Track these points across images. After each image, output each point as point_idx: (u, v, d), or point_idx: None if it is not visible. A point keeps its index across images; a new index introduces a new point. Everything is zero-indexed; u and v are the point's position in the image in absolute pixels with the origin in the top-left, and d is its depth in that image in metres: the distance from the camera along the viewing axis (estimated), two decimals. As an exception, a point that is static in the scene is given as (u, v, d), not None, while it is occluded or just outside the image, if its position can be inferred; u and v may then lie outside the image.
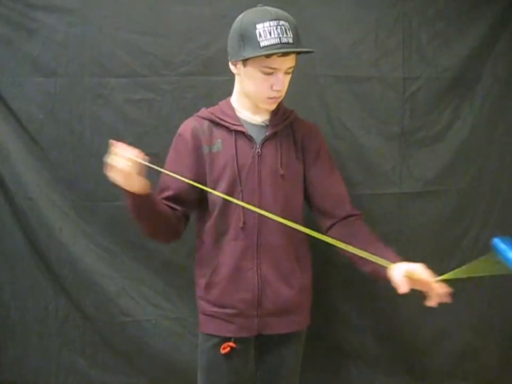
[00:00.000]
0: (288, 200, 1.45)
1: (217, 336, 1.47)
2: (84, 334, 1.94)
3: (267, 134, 1.43)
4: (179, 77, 1.83)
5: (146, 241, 1.90)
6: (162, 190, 1.45)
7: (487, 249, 1.99)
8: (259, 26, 1.29)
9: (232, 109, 1.46)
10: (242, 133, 1.42)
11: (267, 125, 1.46)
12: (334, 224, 1.48)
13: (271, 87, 1.35)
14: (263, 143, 1.43)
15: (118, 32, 1.82)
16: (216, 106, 1.50)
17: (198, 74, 1.82)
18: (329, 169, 1.51)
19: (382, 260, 1.22)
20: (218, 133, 1.43)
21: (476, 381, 2.07)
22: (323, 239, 1.23)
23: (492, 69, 1.94)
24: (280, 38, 1.28)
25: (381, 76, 1.90)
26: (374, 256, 1.22)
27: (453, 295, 2.01)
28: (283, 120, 1.47)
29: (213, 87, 1.82)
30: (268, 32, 1.28)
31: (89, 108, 1.85)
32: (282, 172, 1.43)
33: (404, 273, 1.19)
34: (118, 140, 1.83)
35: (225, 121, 1.43)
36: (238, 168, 1.40)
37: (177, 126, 1.80)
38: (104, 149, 1.84)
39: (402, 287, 1.18)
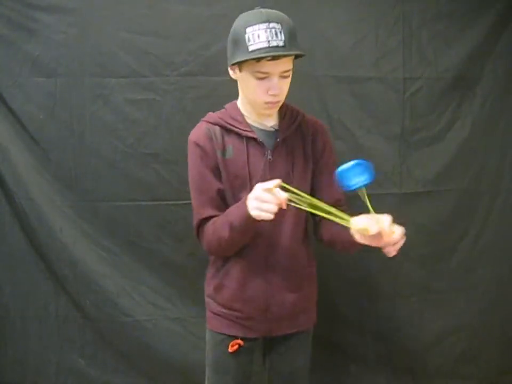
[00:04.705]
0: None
1: (223, 334, 1.47)
2: (83, 334, 1.95)
3: (278, 140, 1.41)
4: (179, 77, 1.83)
5: (146, 241, 1.91)
6: (215, 206, 1.40)
7: (487, 249, 2.01)
8: (248, 30, 1.25)
9: (241, 114, 1.42)
10: (254, 139, 1.38)
11: (276, 130, 1.43)
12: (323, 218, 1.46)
13: (267, 91, 1.30)
14: (274, 149, 1.41)
15: (118, 32, 1.82)
16: (223, 110, 1.45)
17: (199, 75, 1.82)
18: (330, 170, 1.46)
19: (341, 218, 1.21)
20: (229, 139, 1.39)
21: (476, 381, 2.07)
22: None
23: (492, 69, 1.94)
24: (269, 41, 1.23)
25: (381, 76, 1.90)
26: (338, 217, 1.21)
27: (453, 295, 2.04)
28: (291, 123, 1.44)
29: (213, 87, 1.82)
30: (257, 35, 1.24)
31: (89, 108, 1.85)
32: (293, 178, 1.41)
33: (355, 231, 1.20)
34: (118, 140, 1.85)
35: (236, 127, 1.39)
36: (249, 175, 1.38)
37: (178, 126, 1.81)
38: (104, 149, 1.87)
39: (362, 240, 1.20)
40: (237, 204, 1.32)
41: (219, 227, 1.35)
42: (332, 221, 1.21)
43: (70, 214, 1.89)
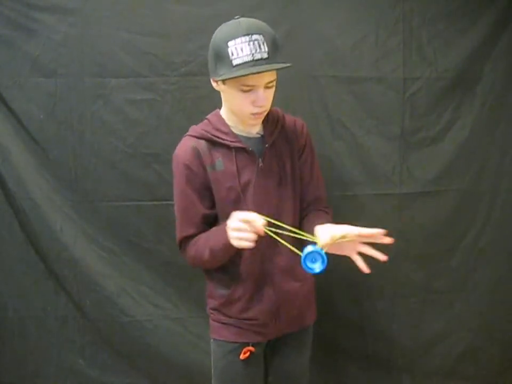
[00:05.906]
0: (295, 207, 1.44)
1: (233, 342, 1.44)
2: (84, 334, 1.95)
3: (266, 145, 1.39)
4: (180, 77, 1.83)
5: (146, 241, 1.91)
6: (199, 227, 1.40)
7: (487, 249, 2.01)
8: (231, 44, 1.22)
9: (226, 124, 1.39)
10: (243, 148, 1.37)
11: (262, 135, 1.42)
12: (305, 215, 1.47)
13: (253, 103, 1.28)
14: (264, 155, 1.39)
15: (118, 32, 1.82)
16: (206, 122, 1.42)
17: (199, 75, 1.82)
18: (310, 165, 1.48)
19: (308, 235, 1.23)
20: (217, 152, 1.37)
21: (475, 381, 2.07)
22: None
23: (492, 69, 1.94)
24: (253, 55, 1.21)
25: (381, 76, 1.90)
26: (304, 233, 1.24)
27: (453, 295, 2.04)
28: (275, 126, 1.43)
29: (213, 87, 1.82)
30: (240, 49, 1.22)
31: (89, 108, 1.85)
32: (287, 181, 1.41)
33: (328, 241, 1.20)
34: (118, 140, 1.85)
35: (224, 139, 1.37)
36: (241, 187, 1.37)
37: (178, 126, 1.80)
38: (104, 149, 1.87)
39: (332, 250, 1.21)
40: (218, 229, 1.32)
41: (200, 249, 1.36)
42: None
43: (70, 214, 1.88)
